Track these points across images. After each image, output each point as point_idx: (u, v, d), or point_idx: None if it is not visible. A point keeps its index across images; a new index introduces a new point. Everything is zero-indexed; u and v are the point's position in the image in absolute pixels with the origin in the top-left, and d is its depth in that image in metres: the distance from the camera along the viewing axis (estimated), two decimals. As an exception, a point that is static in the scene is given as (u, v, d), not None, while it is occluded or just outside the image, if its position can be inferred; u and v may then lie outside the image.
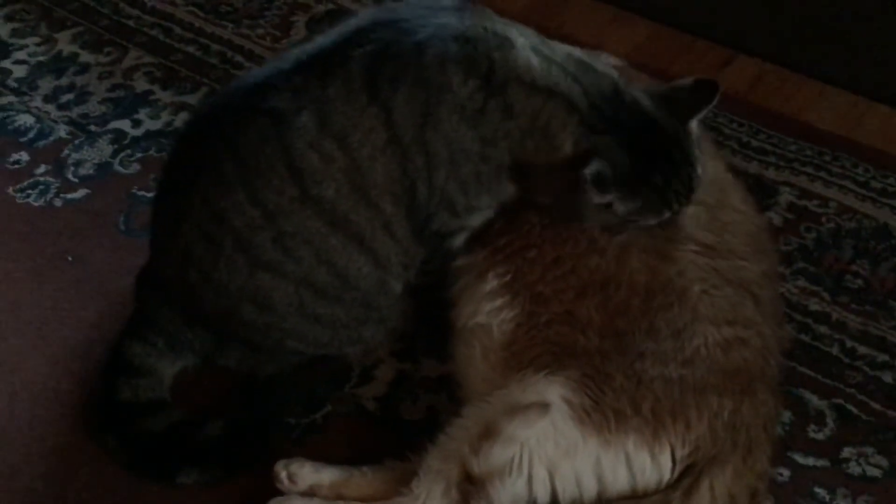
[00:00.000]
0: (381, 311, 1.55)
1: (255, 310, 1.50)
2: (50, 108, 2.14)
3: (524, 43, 1.43)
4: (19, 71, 2.23)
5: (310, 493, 1.47)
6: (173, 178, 1.55)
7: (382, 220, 1.46)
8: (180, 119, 2.11)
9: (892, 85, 2.17)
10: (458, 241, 1.53)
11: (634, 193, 1.41)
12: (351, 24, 1.50)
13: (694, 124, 1.45)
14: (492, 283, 1.50)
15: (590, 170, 1.38)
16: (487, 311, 1.49)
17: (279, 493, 1.47)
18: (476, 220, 1.51)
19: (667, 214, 1.45)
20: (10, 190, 1.96)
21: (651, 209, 1.44)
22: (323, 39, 1.49)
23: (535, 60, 1.42)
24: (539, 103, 1.41)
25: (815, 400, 1.65)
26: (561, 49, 1.47)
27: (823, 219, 1.93)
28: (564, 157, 1.42)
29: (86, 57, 2.27)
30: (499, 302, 1.49)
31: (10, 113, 2.13)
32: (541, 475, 1.38)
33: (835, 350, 1.72)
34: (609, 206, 1.42)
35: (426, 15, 1.45)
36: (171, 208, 1.53)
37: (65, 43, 2.31)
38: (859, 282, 1.83)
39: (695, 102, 1.45)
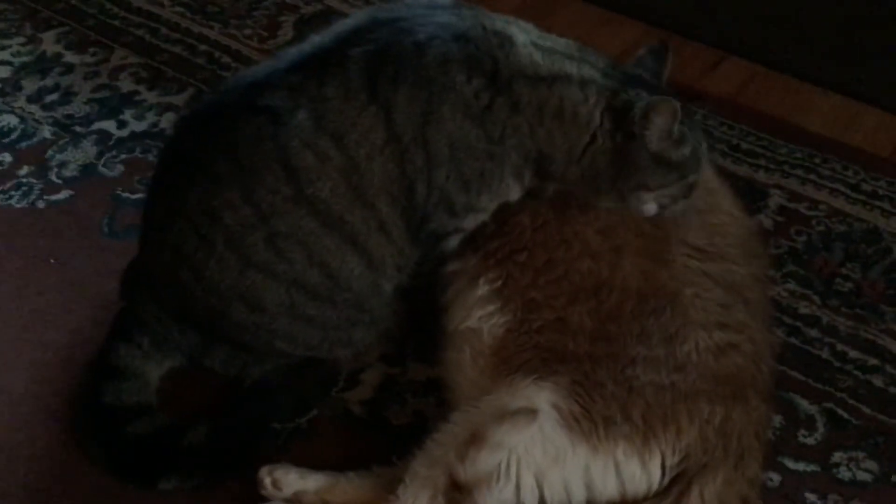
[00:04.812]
0: (372, 313, 1.54)
1: (245, 309, 1.49)
2: (34, 108, 2.13)
3: (525, 40, 1.44)
4: (3, 71, 2.21)
5: (295, 499, 1.45)
6: (167, 174, 1.54)
7: (378, 220, 1.45)
8: (166, 120, 2.09)
9: (882, 87, 2.16)
10: (453, 243, 1.52)
11: (682, 132, 1.42)
12: (348, 23, 1.49)
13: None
14: (483, 288, 1.49)
15: (641, 104, 1.39)
16: (478, 317, 1.48)
17: (264, 499, 1.46)
18: (472, 222, 1.51)
19: (701, 170, 1.48)
20: (-7, 192, 1.94)
21: (694, 155, 1.45)
22: (320, 39, 1.48)
23: (537, 55, 1.43)
24: (544, 93, 1.42)
25: (805, 404, 1.64)
26: (560, 39, 1.49)
27: (814, 222, 1.93)
28: (596, 127, 1.42)
29: (71, 57, 2.25)
30: (490, 308, 1.48)
31: (-6, 113, 2.11)
32: (529, 482, 1.36)
33: (825, 354, 1.71)
34: (664, 157, 1.42)
35: (424, 14, 1.45)
36: (163, 204, 1.52)
37: (50, 43, 2.29)
38: (850, 285, 1.82)
39: (658, 66, 1.52)
